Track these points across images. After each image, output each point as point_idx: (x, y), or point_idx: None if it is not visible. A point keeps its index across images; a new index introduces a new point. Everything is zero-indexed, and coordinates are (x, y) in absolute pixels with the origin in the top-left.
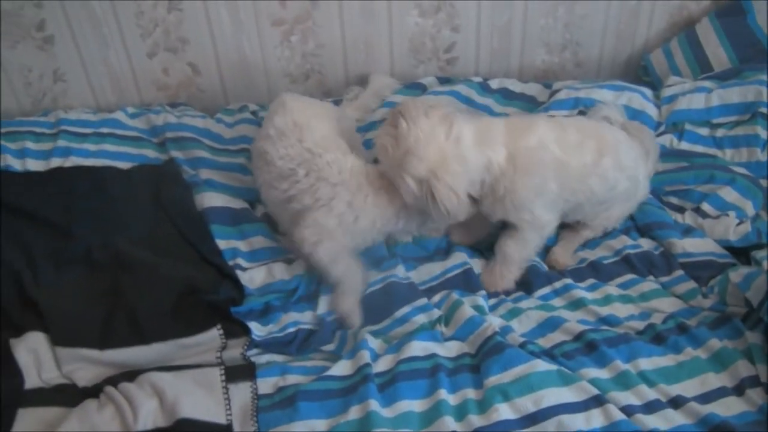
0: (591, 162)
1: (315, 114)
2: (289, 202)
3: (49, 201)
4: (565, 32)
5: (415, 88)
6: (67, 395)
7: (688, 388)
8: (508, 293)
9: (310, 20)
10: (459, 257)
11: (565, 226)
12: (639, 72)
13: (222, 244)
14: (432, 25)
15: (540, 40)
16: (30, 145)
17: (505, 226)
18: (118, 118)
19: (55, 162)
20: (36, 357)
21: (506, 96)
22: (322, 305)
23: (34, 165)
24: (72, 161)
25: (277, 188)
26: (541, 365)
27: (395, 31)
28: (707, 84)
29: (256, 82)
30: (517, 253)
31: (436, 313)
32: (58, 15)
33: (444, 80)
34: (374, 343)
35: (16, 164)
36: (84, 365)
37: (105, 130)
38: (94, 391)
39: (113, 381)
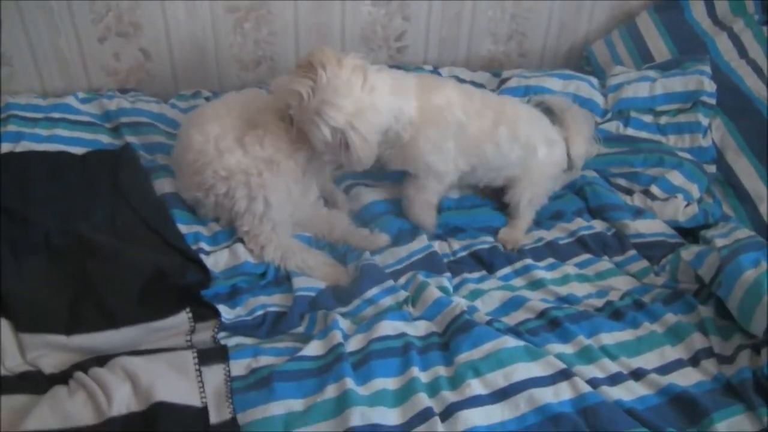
0: (487, 129)
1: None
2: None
3: (3, 186)
4: (511, 23)
5: None
6: (34, 383)
7: (647, 360)
8: (470, 272)
9: (265, 8)
10: (422, 241)
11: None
12: (582, 62)
13: (183, 228)
14: (384, 14)
15: (487, 30)
16: None
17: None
18: (69, 103)
19: (6, 147)
20: None
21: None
22: (297, 282)
23: None
24: (23, 146)
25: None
26: (510, 341)
27: (348, 19)
28: (651, 73)
29: (207, 68)
30: (417, 196)
31: (403, 294)
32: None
33: (395, 68)
34: (344, 323)
35: None
36: (50, 352)
37: (56, 115)
38: (61, 378)
39: (82, 367)
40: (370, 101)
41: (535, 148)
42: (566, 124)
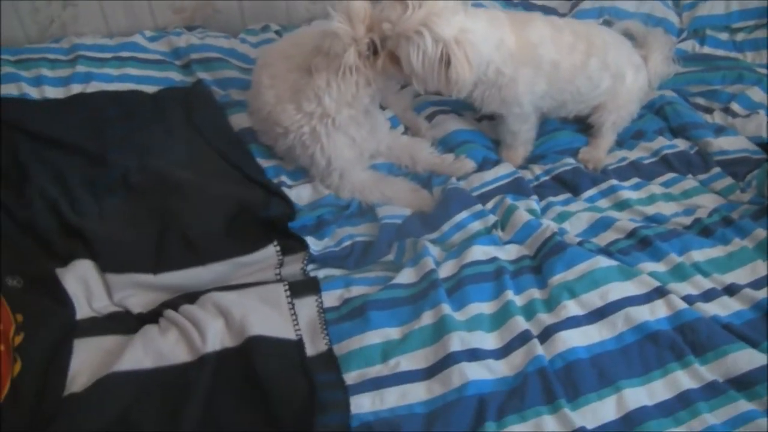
0: (579, 63)
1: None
2: None
3: (78, 128)
4: None
5: None
6: (122, 323)
7: (739, 276)
8: (555, 195)
9: None
10: (508, 167)
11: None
12: None
13: (263, 163)
14: None
15: None
16: (46, 72)
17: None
18: (137, 42)
19: (76, 88)
20: (86, 286)
21: (528, 9)
22: (381, 211)
23: (53, 92)
24: (94, 87)
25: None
26: (603, 261)
27: None
28: None
29: (274, 2)
30: (514, 141)
31: (492, 219)
32: None
33: None
34: (434, 250)
35: (32, 92)
36: (137, 291)
37: (125, 53)
38: (150, 318)
39: (172, 305)
40: (473, 26)
41: (623, 75)
42: (646, 44)
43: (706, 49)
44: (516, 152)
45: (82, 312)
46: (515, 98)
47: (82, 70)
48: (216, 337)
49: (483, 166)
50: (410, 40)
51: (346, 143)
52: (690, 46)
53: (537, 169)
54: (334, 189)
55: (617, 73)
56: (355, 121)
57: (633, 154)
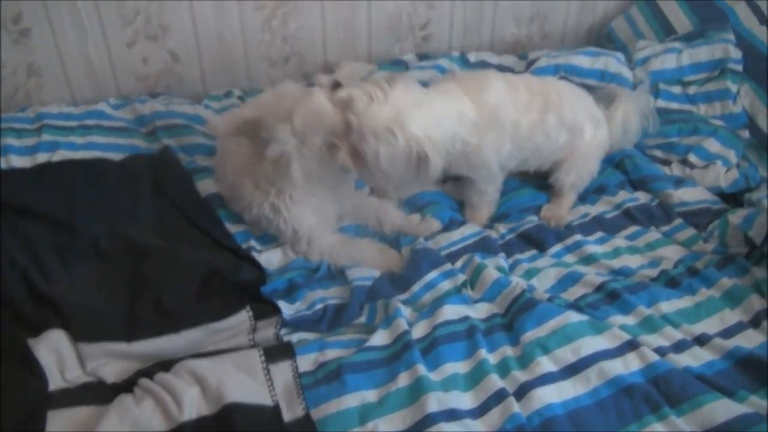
0: (537, 120)
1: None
2: None
3: (46, 196)
4: (532, 5)
5: (398, 64)
6: (96, 393)
7: (709, 325)
8: (521, 252)
9: (292, 3)
10: (474, 227)
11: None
12: (602, 40)
13: (232, 228)
14: (409, 4)
15: (510, 13)
16: (12, 141)
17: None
18: (102, 110)
19: (42, 157)
20: (58, 356)
21: (485, 68)
22: (351, 273)
23: (19, 162)
24: (60, 155)
25: None
26: (573, 316)
27: (374, 10)
28: (676, 45)
29: (236, 68)
30: (480, 201)
31: (461, 277)
32: (36, 7)
33: (423, 56)
34: (405, 311)
35: None
36: (110, 360)
37: (90, 122)
38: (124, 387)
39: (147, 373)
40: (433, 111)
41: (582, 129)
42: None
43: (661, 103)
44: (481, 213)
45: (55, 383)
46: (482, 162)
47: (47, 138)
48: (192, 405)
49: (449, 226)
50: (379, 137)
51: (307, 211)
52: None
53: (502, 228)
54: (303, 254)
55: (574, 126)
56: (312, 192)
57: (595, 209)
